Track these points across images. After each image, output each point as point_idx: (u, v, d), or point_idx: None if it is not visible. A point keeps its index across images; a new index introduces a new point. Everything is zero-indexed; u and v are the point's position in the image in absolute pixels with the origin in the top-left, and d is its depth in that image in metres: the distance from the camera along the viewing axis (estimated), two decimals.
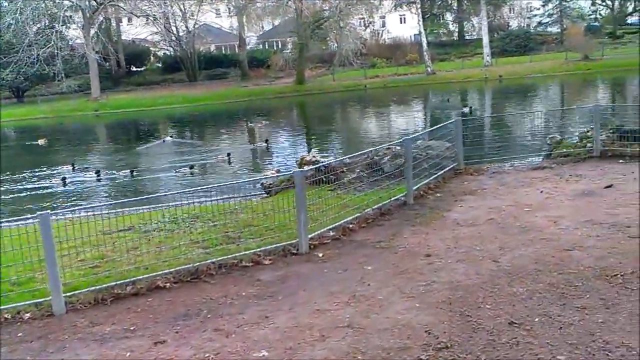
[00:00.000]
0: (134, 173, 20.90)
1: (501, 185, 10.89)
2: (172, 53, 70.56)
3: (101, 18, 64.22)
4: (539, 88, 41.18)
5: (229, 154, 22.63)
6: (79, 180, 20.82)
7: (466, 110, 28.94)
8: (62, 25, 54.29)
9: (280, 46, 73.80)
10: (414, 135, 12.59)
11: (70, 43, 55.58)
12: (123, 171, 21.39)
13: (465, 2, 66.71)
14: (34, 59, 46.39)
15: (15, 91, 60.02)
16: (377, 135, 26.94)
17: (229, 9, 64.28)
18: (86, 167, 23.13)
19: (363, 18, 78.18)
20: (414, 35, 76.24)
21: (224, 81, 63.12)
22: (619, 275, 6.13)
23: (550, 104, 33.36)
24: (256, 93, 50.82)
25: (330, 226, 8.52)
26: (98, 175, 20.96)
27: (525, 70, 47.26)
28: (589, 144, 12.77)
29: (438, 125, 13.67)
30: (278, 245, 7.81)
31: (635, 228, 7.68)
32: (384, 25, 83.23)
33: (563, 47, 56.18)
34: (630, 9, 71.67)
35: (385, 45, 71.13)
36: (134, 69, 72.23)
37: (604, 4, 67.21)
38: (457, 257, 7.15)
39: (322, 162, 11.87)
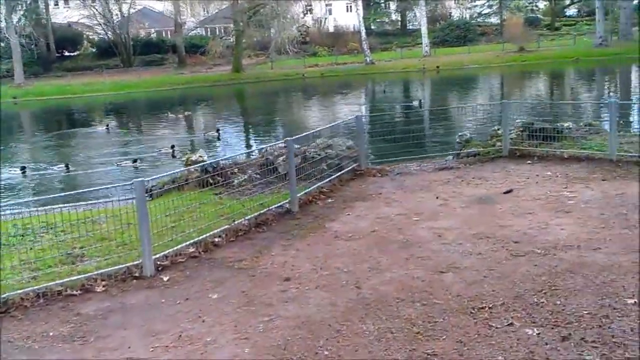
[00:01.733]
0: (70, 167, 19.24)
1: (399, 189, 10.08)
2: (106, 37, 67.87)
3: (28, 0, 61.31)
4: (474, 79, 40.98)
5: (173, 146, 20.98)
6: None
7: (415, 103, 28.25)
8: None
9: (222, 32, 71.89)
10: (306, 133, 11.62)
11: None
12: (58, 166, 19.66)
13: None
14: None
15: None
16: (301, 128, 25.91)
17: None
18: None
19: (309, 5, 77.36)
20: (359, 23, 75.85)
21: (161, 68, 61.17)
22: (486, 308, 5.33)
23: (480, 95, 33.01)
24: (192, 80, 49.21)
25: (192, 240, 7.51)
26: (23, 172, 18.99)
27: (463, 61, 47.07)
28: (498, 143, 12.10)
29: (336, 122, 12.75)
30: (120, 266, 6.76)
31: (523, 244, 6.93)
32: (330, 13, 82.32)
33: (502, 38, 56.37)
34: (567, 1, 72.71)
35: (327, 34, 70.28)
36: (67, 53, 69.24)
37: None
38: (318, 281, 6.25)
39: (208, 162, 10.83)
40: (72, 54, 69.53)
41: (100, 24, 66.12)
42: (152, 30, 75.20)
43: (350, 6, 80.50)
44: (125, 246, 7.55)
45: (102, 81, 49.69)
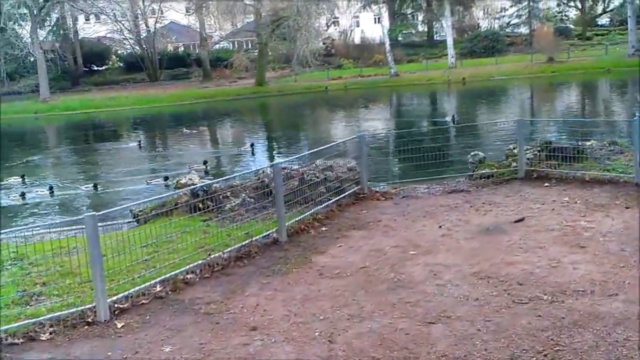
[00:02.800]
0: (98, 187, 18.12)
1: (401, 215, 9.26)
2: (133, 52, 68.29)
3: (56, 16, 61.97)
4: (500, 91, 39.78)
5: (205, 162, 20.00)
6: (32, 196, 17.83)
7: (448, 119, 26.36)
8: (13, 23, 52.13)
9: (250, 46, 71.75)
10: (295, 157, 10.88)
11: (23, 41, 53.25)
12: (86, 185, 18.58)
13: (434, 1, 65.20)
14: None
15: None
16: (316, 144, 25.14)
17: (188, 7, 62.03)
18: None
19: (335, 18, 76.86)
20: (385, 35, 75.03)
21: (186, 81, 61.11)
22: None
23: (504, 109, 31.83)
24: (215, 94, 48.86)
25: (161, 278, 6.81)
26: (51, 192, 17.86)
27: (490, 73, 45.90)
28: (514, 164, 11.20)
29: (335, 142, 12.00)
30: (74, 310, 6.08)
31: (528, 287, 6.07)
32: (358, 25, 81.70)
33: (531, 48, 54.98)
34: (599, 10, 70.92)
35: (353, 46, 69.59)
36: (95, 68, 69.80)
37: (572, 5, 66.26)
38: (288, 332, 5.48)
39: (199, 185, 10.15)
40: (99, 68, 70.02)
41: (127, 39, 66.56)
42: (180, 44, 75.48)
43: (378, 18, 79.99)
44: (89, 284, 6.89)
45: (126, 95, 49.69)
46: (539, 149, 11.25)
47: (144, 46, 64.82)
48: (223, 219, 9.40)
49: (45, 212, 16.09)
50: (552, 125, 16.48)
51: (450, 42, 52.31)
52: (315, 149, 11.36)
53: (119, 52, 72.09)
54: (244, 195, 10.28)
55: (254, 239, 8.11)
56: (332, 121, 31.96)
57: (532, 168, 10.95)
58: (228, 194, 10.33)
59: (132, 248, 7.96)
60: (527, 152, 11.23)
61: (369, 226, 8.81)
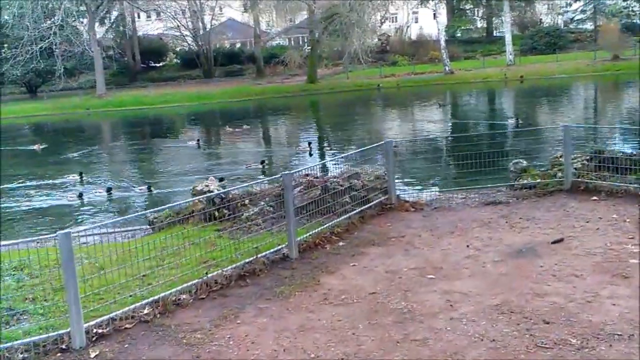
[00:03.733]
0: (152, 188, 17.19)
1: (428, 230, 8.48)
2: (189, 49, 69.04)
3: (116, 13, 63.15)
4: (559, 91, 37.88)
5: (263, 161, 19.46)
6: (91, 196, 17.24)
7: (511, 121, 23.99)
8: (73, 20, 53.33)
9: (304, 42, 71.35)
10: (306, 167, 10.23)
11: (82, 38, 54.38)
12: (140, 187, 17.58)
13: None
14: (34, 53, 45.14)
15: (27, 86, 59.38)
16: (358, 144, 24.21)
17: (244, 5, 62.08)
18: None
19: (393, 13, 75.56)
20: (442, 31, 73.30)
21: (240, 78, 61.28)
22: None
23: (562, 110, 30.14)
24: (266, 91, 48.70)
25: (152, 298, 6.29)
26: (109, 193, 17.09)
27: (550, 70, 43.96)
28: (559, 174, 10.22)
29: (362, 148, 11.25)
30: (50, 334, 5.61)
31: (556, 327, 5.25)
32: (417, 21, 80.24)
33: (596, 45, 52.52)
34: None
35: (409, 42, 68.25)
36: (153, 64, 70.90)
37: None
38: None
39: (216, 192, 9.63)
40: (157, 65, 71.12)
41: (184, 36, 67.32)
42: (237, 41, 75.83)
43: (435, 13, 78.18)
44: (82, 300, 6.42)
45: (179, 92, 50.08)
46: (588, 157, 10.23)
47: (200, 43, 65.39)
48: (238, 229, 8.88)
49: (99, 212, 15.55)
50: (609, 131, 15.17)
51: (508, 38, 50.49)
52: (336, 156, 10.63)
53: (177, 49, 73.10)
54: (262, 203, 9.72)
55: (261, 254, 7.51)
56: (379, 121, 30.81)
57: (579, 179, 9.96)
58: (246, 201, 9.78)
59: (135, 261, 7.53)
60: (575, 161, 10.24)
61: (389, 242, 8.07)
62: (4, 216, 15.37)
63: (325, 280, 6.84)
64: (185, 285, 6.59)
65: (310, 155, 21.43)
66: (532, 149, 12.31)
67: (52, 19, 47.90)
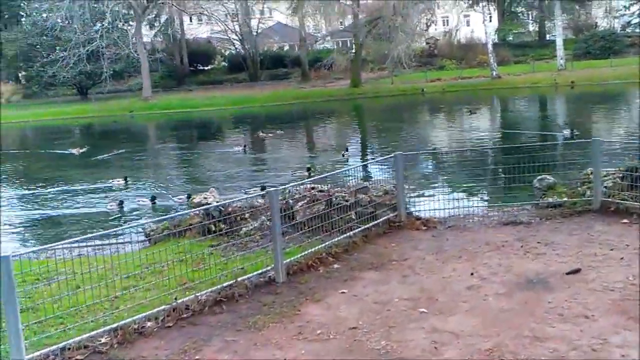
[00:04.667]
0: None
1: (434, 253, 7.78)
2: (237, 52, 69.40)
3: (165, 17, 63.93)
4: (611, 97, 36.10)
5: (309, 168, 18.15)
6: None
7: (566, 132, 21.37)
8: (123, 24, 54.21)
9: (351, 46, 70.67)
10: (295, 183, 9.61)
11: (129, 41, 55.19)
12: (179, 197, 15.82)
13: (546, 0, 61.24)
14: (81, 56, 46.01)
15: (78, 88, 60.68)
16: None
17: (289, 8, 61.91)
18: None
19: (443, 16, 74.22)
20: (493, 34, 71.47)
21: (285, 82, 61.11)
22: None
23: (609, 118, 28.53)
24: (309, 95, 48.25)
25: (114, 325, 5.81)
26: (153, 202, 15.65)
27: (602, 76, 42.04)
28: (588, 192, 9.34)
29: (369, 161, 10.56)
30: None
31: None
32: (468, 24, 78.67)
33: None
34: None
35: (458, 46, 66.76)
36: (200, 67, 71.52)
37: None
38: None
39: (214, 205, 9.14)
40: (205, 68, 71.71)
41: (231, 40, 67.70)
42: (284, 44, 75.79)
43: (490, 16, 76.35)
44: (48, 322, 6.02)
45: (223, 95, 50.20)
46: (620, 175, 9.32)
47: (247, 47, 65.61)
48: (233, 246, 8.39)
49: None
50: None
51: (560, 42, 48.68)
52: (333, 171, 9.98)
53: (225, 52, 73.61)
54: (263, 217, 9.19)
55: (246, 277, 6.97)
56: (412, 129, 29.32)
57: (610, 199, 9.06)
58: (247, 215, 9.27)
59: (115, 278, 7.12)
60: (607, 178, 9.34)
61: (389, 266, 7.41)
62: (27, 223, 15.15)
63: (307, 309, 6.23)
64: (152, 311, 6.09)
65: (346, 162, 20.66)
66: (574, 163, 11.17)
67: (101, 22, 48.72)
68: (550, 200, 9.61)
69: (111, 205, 15.48)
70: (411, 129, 28.52)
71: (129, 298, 6.53)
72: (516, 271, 6.92)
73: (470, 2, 66.82)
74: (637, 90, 36.52)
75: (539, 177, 10.01)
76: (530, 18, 72.31)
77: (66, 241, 9.98)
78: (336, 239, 8.17)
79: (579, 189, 9.68)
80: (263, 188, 13.47)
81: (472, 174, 13.61)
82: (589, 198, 9.22)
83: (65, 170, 22.70)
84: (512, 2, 70.61)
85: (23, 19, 61.12)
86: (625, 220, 8.49)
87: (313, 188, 9.54)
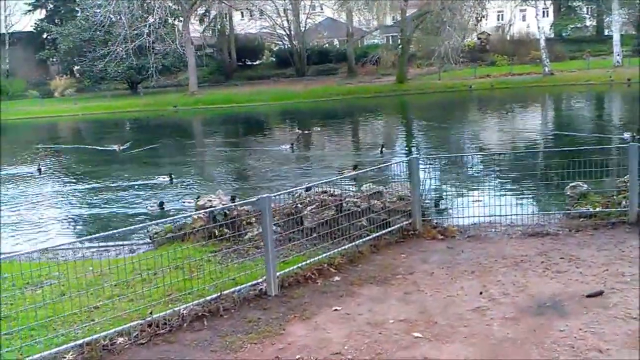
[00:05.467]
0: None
1: (444, 267, 7.16)
2: (285, 47, 69.24)
3: (214, 12, 64.23)
4: None
5: (355, 166, 16.77)
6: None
7: (627, 136, 19.23)
8: (173, 19, 54.69)
9: (396, 41, 69.59)
10: (289, 190, 9.06)
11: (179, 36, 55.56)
12: (188, 200, 14.58)
13: None
14: (128, 51, 46.58)
15: (129, 83, 61.60)
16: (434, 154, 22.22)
17: (337, 3, 61.25)
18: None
19: (498, 11, 72.15)
20: (549, 29, 69.10)
21: (331, 77, 60.53)
22: None
23: None
24: (354, 91, 47.56)
25: (83, 340, 5.44)
26: (162, 208, 14.15)
27: None
28: (625, 201, 8.52)
29: (380, 165, 9.93)
30: None
31: None
32: (524, 19, 76.56)
33: None
34: None
35: (510, 41, 64.86)
36: (249, 63, 71.71)
37: None
38: None
39: (219, 208, 8.73)
40: (253, 63, 71.84)
41: (278, 35, 67.57)
42: (334, 39, 75.15)
43: (547, 11, 73.90)
44: (11, 336, 5.71)
45: (268, 90, 50.05)
46: None
47: (294, 42, 65.36)
48: (234, 252, 7.98)
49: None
50: None
51: (617, 37, 46.56)
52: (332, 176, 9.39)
53: (274, 47, 73.56)
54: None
55: (236, 289, 6.52)
56: (455, 127, 27.99)
57: None
58: (253, 219, 8.82)
59: (104, 285, 6.81)
60: None
61: (392, 281, 6.84)
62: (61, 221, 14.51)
63: (292, 329, 5.73)
64: (126, 326, 5.70)
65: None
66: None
67: (149, 18, 49.16)
68: (583, 209, 8.83)
69: (152, 206, 14.25)
70: (449, 127, 27.37)
71: (110, 309, 6.18)
72: (531, 291, 6.25)
73: None
74: None
75: (572, 184, 9.21)
76: (588, 12, 69.62)
77: (67, 243, 9.79)
78: (341, 248, 7.65)
79: (615, 198, 8.86)
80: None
81: (506, 178, 12.85)
82: (625, 209, 8.41)
83: (107, 166, 21.91)
84: None
85: (78, 14, 62.40)
86: None
87: (325, 192, 9.02)
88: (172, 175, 17.64)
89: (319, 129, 29.20)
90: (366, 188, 8.94)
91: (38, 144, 30.15)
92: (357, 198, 8.69)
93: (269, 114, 40.64)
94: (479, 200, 10.34)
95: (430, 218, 9.02)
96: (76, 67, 65.43)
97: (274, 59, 71.68)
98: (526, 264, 7.10)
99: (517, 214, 9.13)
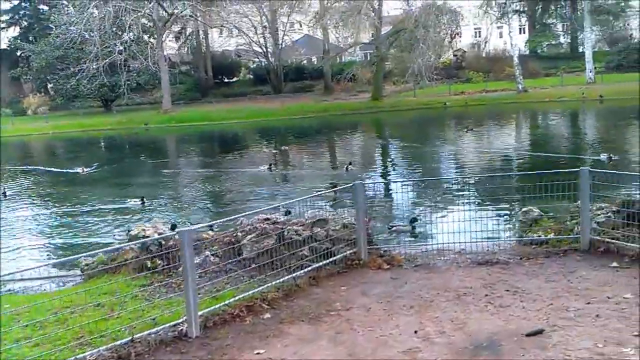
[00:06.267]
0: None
1: (385, 300, 6.76)
2: (262, 65, 69.02)
3: (190, 30, 63.87)
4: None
5: (334, 185, 16.01)
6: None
7: (603, 157, 18.79)
8: (149, 37, 54.22)
9: (372, 58, 69.57)
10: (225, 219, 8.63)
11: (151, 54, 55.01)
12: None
13: (578, 11, 59.39)
14: (99, 69, 46.01)
15: (103, 100, 60.82)
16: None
17: (313, 20, 61.17)
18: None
19: (475, 28, 72.52)
20: (524, 46, 69.64)
21: (307, 94, 60.34)
22: None
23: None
24: (329, 108, 47.25)
25: None
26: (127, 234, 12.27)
27: (633, 90, 40.01)
28: (578, 227, 8.18)
29: (320, 192, 9.53)
30: None
31: None
32: (501, 36, 77.13)
33: None
34: None
35: (485, 58, 65.27)
36: (226, 80, 71.34)
37: None
38: None
39: (154, 237, 8.25)
40: (230, 80, 71.50)
41: (255, 52, 67.36)
42: (309, 57, 75.15)
43: (523, 28, 74.45)
44: None
45: (243, 108, 49.64)
46: (615, 209, 8.14)
47: (271, 59, 65.19)
48: (165, 285, 7.52)
49: None
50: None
51: (589, 54, 46.91)
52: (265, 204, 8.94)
53: (252, 65, 73.25)
54: (207, 253, 8.27)
55: (154, 330, 6.04)
56: (424, 148, 27.22)
57: (600, 238, 7.90)
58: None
59: (14, 326, 6.32)
60: (599, 213, 8.18)
61: (326, 318, 6.40)
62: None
63: None
64: None
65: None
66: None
67: (122, 35, 48.69)
68: (535, 236, 8.48)
69: (120, 235, 13.01)
70: (416, 147, 26.79)
71: (10, 356, 5.66)
72: (469, 329, 5.86)
73: (500, 13, 65.28)
74: None
75: (524, 209, 8.89)
76: (563, 30, 70.38)
77: None
78: (277, 282, 7.21)
79: (568, 224, 8.53)
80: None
81: (462, 202, 12.49)
82: (577, 236, 8.07)
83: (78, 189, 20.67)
84: (544, 14, 68.83)
85: (52, 32, 61.76)
86: (614, 264, 7.34)
87: (267, 219, 8.59)
88: (144, 198, 16.75)
89: (288, 147, 28.73)
90: (310, 215, 8.51)
91: (6, 165, 29.22)
92: (299, 226, 8.27)
93: (244, 132, 40.18)
94: (430, 226, 9.97)
95: (378, 247, 8.62)
96: (50, 85, 64.65)
97: (251, 77, 71.41)
98: (469, 297, 6.71)
99: (468, 241, 8.77)
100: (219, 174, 21.99)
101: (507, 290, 6.81)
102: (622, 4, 63.04)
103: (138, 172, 24.93)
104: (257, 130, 40.17)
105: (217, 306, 6.48)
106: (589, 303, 6.24)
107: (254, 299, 6.80)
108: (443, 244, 8.76)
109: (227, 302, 6.60)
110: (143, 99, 62.19)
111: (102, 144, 39.56)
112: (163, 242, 8.28)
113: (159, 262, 7.97)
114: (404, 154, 25.70)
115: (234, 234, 8.47)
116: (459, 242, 8.66)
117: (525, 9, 68.80)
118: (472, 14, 63.18)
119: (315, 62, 73.36)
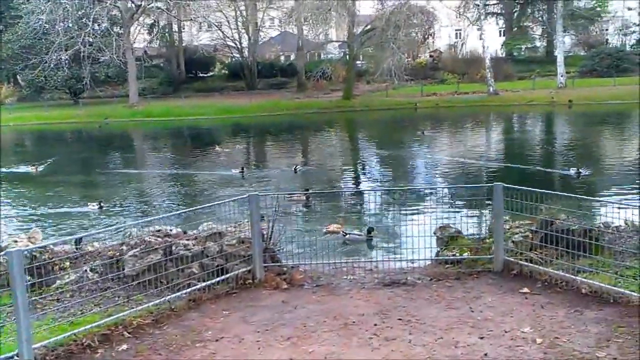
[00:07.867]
0: None
1: (263, 329, 6.05)
2: (237, 60, 68.03)
3: (163, 23, 62.62)
4: (611, 119, 33.92)
5: (307, 190, 15.67)
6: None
7: (572, 172, 17.94)
8: (118, 28, 52.95)
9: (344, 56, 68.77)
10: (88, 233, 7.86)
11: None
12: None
13: (553, 15, 59.15)
14: (61, 60, 44.73)
15: (71, 92, 59.41)
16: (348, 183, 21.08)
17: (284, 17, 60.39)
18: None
19: (456, 29, 72.07)
20: (500, 49, 69.39)
21: (281, 91, 59.49)
22: None
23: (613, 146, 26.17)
24: (300, 106, 46.42)
25: None
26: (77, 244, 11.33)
27: (602, 95, 39.89)
28: (493, 247, 7.53)
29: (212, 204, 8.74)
30: None
31: None
32: (481, 38, 76.87)
33: None
34: None
35: (461, 60, 64.90)
36: (200, 75, 70.19)
37: None
38: None
39: (26, 249, 7.43)
40: (204, 75, 70.36)
41: (229, 47, 66.44)
42: (290, 53, 74.10)
43: (502, 31, 74.08)
44: None
45: (213, 104, 48.62)
46: (534, 229, 7.50)
47: (245, 54, 64.25)
48: (33, 304, 6.70)
49: None
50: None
51: (560, 59, 46.64)
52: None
53: (227, 60, 72.15)
54: (86, 267, 7.49)
55: None
56: (378, 151, 26.65)
57: (514, 259, 7.25)
58: (67, 263, 7.58)
59: None
60: (516, 232, 7.54)
61: (188, 351, 5.66)
62: None
63: None
64: None
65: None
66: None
67: (87, 26, 47.41)
68: (450, 255, 7.82)
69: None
70: (373, 149, 26.13)
71: None
72: None
73: (475, 16, 64.95)
74: (638, 111, 34.29)
75: (440, 226, 8.21)
76: (540, 33, 70.23)
77: None
78: (152, 303, 6.46)
79: (487, 240, 7.88)
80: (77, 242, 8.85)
81: (388, 216, 11.83)
82: (492, 256, 7.42)
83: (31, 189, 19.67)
84: (521, 17, 68.59)
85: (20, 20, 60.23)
86: (525, 290, 6.70)
87: (159, 231, 7.84)
88: (102, 202, 15.65)
89: (220, 147, 27.30)
90: (204, 228, 7.77)
91: None
92: (191, 240, 7.53)
93: (207, 129, 39.24)
94: (346, 243, 9.27)
95: (280, 264, 7.88)
96: (19, 76, 63.06)
97: (226, 72, 70.32)
98: (357, 326, 6.01)
99: (381, 260, 8.09)
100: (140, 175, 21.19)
101: (400, 319, 6.12)
102: (598, 8, 63.14)
103: (70, 172, 23.79)
104: (220, 128, 39.30)
105: (65, 335, 5.71)
106: (482, 338, 5.57)
107: (117, 325, 6.04)
108: (354, 261, 8.10)
109: (81, 329, 5.83)
110: (115, 91, 60.96)
111: (65, 137, 38.48)
112: (36, 255, 7.47)
113: (29, 277, 7.17)
114: (344, 159, 24.82)
115: (120, 247, 7.72)
116: (371, 260, 7.99)
117: (503, 11, 68.61)
118: (448, 16, 62.94)
119: (292, 58, 72.53)
